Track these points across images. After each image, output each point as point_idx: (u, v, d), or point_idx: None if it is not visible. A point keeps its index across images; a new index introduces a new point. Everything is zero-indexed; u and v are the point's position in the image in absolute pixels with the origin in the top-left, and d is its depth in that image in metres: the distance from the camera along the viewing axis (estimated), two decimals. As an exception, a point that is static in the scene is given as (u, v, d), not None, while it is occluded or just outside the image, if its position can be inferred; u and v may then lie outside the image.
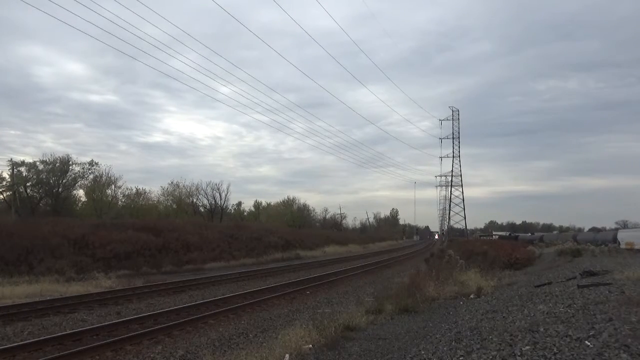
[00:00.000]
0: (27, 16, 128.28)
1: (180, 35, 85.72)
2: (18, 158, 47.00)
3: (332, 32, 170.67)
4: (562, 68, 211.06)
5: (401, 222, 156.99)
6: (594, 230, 70.31)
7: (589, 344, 5.55)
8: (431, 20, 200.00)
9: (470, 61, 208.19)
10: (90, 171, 47.13)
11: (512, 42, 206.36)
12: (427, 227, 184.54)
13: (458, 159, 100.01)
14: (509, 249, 31.32)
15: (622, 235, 36.02)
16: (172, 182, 57.31)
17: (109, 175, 48.30)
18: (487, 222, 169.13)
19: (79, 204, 49.81)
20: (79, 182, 47.32)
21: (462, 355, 6.01)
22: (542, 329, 6.69)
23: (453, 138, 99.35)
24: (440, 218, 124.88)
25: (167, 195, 56.55)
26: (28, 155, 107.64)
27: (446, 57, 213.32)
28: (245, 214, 77.50)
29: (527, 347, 5.73)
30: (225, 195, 59.46)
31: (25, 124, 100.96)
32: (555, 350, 5.48)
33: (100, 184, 47.38)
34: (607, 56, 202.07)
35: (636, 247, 29.97)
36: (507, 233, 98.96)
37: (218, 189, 58.48)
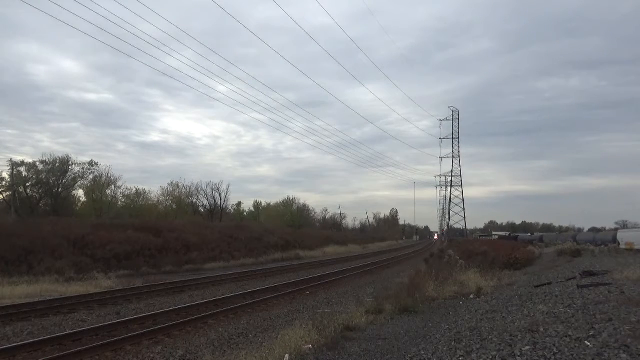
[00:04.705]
0: (22, 13, 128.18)
1: (176, 33, 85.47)
2: (16, 158, 47.09)
3: (330, 29, 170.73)
4: (564, 66, 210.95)
5: (401, 222, 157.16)
6: (593, 230, 70.36)
7: (588, 344, 5.56)
8: (431, 16, 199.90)
9: (470, 59, 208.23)
10: (89, 171, 47.29)
11: (513, 40, 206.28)
12: (426, 227, 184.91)
13: (458, 159, 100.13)
14: (508, 249, 31.33)
15: (622, 236, 36.04)
16: (171, 182, 57.47)
17: (109, 175, 48.47)
18: (487, 222, 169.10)
19: (79, 204, 49.88)
20: (79, 182, 47.50)
21: (461, 356, 6.01)
22: (542, 329, 6.70)
23: (453, 138, 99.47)
24: (440, 218, 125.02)
25: (167, 196, 56.66)
26: (26, 155, 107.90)
27: (446, 55, 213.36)
28: (245, 214, 77.57)
29: (527, 347, 5.73)
30: (225, 196, 59.60)
31: (22, 124, 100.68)
32: (555, 350, 5.49)
33: (99, 184, 47.44)
34: (609, 53, 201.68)
35: (636, 247, 30.01)
36: (507, 233, 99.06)
37: (218, 189, 58.64)
